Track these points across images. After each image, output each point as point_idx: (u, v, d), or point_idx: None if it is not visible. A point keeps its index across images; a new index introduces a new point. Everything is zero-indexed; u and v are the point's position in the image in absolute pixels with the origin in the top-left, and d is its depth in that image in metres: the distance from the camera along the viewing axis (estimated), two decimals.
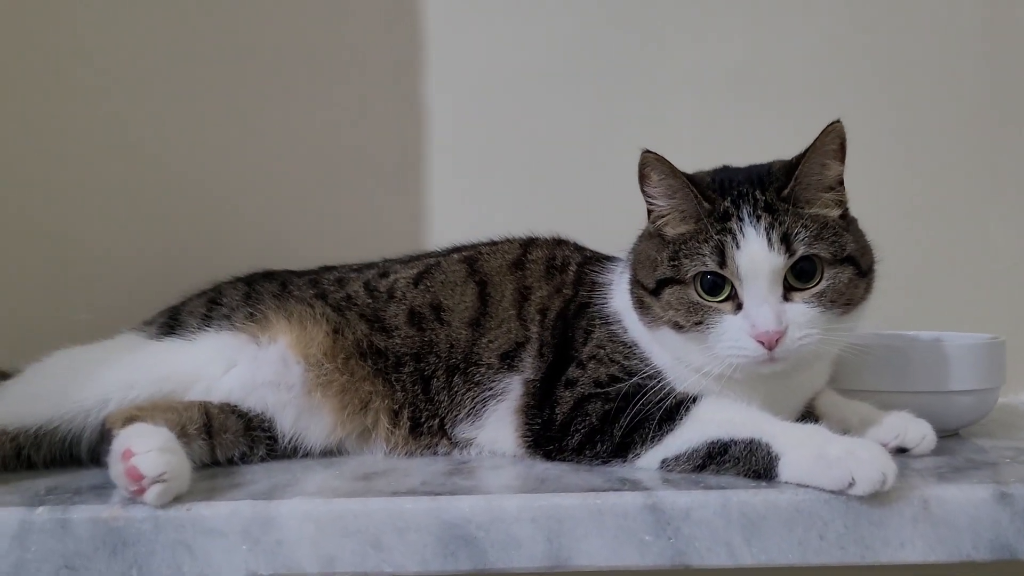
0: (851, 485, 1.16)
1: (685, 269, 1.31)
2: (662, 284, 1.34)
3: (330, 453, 1.48)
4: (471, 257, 1.62)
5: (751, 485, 1.22)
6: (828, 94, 2.05)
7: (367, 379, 1.47)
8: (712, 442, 1.28)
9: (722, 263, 1.28)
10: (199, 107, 2.05)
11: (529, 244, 1.64)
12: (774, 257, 1.27)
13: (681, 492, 1.19)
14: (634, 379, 1.39)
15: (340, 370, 1.45)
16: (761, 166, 1.40)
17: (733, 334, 1.28)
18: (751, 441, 1.25)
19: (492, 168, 2.09)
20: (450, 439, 1.47)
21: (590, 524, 1.16)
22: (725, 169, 1.43)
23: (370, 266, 1.67)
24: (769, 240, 1.27)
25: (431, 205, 2.07)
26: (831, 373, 1.50)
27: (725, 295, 1.30)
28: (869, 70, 2.08)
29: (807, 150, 1.32)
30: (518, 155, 2.08)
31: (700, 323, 1.30)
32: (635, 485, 1.23)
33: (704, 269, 1.30)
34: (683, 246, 1.32)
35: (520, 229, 1.68)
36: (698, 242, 1.31)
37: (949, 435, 1.56)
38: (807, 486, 1.19)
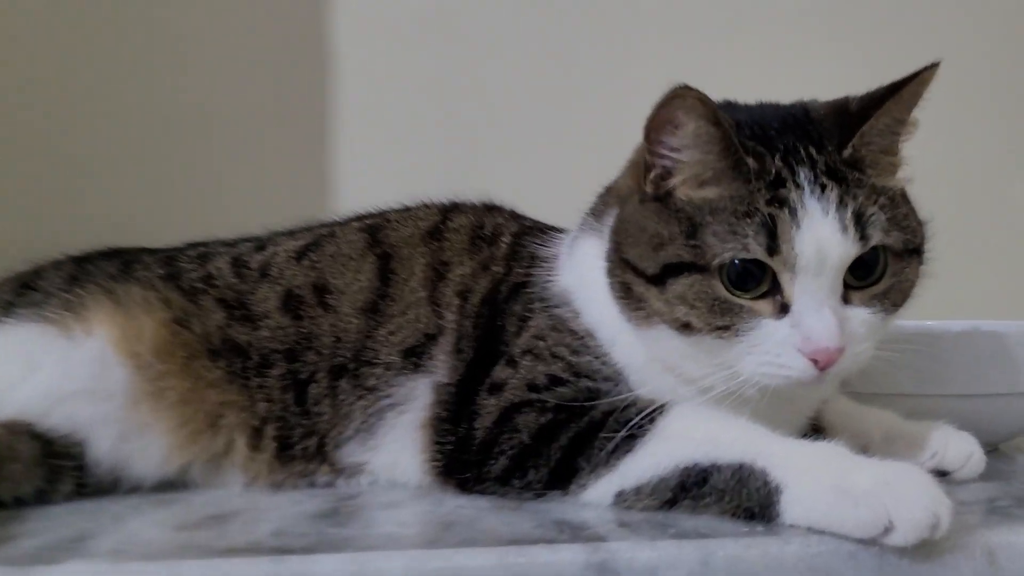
0: (888, 531, 0.80)
1: (713, 252, 0.92)
2: (671, 270, 0.95)
3: (170, 487, 1.09)
4: (375, 226, 1.25)
5: (742, 531, 0.86)
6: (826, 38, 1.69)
7: (218, 386, 1.09)
8: (687, 468, 0.91)
9: (772, 247, 0.91)
10: (67, 50, 1.70)
11: (451, 210, 1.27)
12: (847, 244, 0.91)
13: (643, 543, 0.82)
14: (583, 381, 1.02)
15: (179, 374, 1.08)
16: (788, 108, 1.04)
17: (774, 346, 0.92)
18: (741, 466, 0.89)
19: (410, 127, 1.76)
20: (333, 465, 1.09)
21: None
22: (731, 106, 1.06)
23: (251, 239, 1.29)
24: (842, 220, 0.91)
25: (338, 170, 1.73)
26: None
27: (762, 291, 0.93)
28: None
29: (885, 95, 0.96)
30: (441, 111, 1.75)
31: (726, 328, 0.93)
32: (578, 532, 0.86)
33: (743, 255, 0.92)
34: (711, 219, 0.94)
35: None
36: (736, 216, 0.92)
37: (988, 451, 1.20)
38: (823, 531, 0.83)
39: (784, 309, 0.92)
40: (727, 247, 0.92)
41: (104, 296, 1.11)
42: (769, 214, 0.91)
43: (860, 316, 0.94)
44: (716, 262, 0.92)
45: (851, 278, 0.94)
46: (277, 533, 0.89)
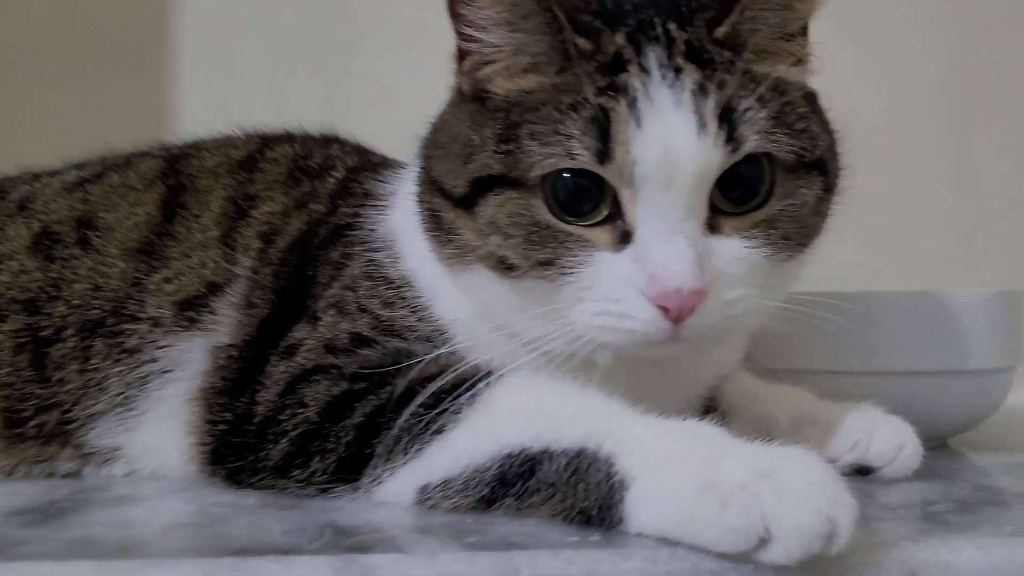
0: (764, 543, 0.56)
1: (531, 160, 0.69)
2: (481, 186, 0.72)
3: None
4: (181, 154, 1.01)
5: (572, 537, 0.61)
6: None
7: None
8: (510, 454, 0.67)
9: (603, 153, 0.67)
10: None
11: (277, 139, 1.03)
12: (707, 148, 0.67)
13: (409, 558, 0.57)
14: (393, 341, 0.77)
15: None
16: None
17: (611, 288, 0.68)
18: (580, 453, 0.65)
19: (258, 46, 1.53)
20: (78, 448, 0.84)
21: None
22: None
23: (44, 171, 1.04)
24: (699, 114, 0.67)
25: (178, 94, 1.49)
26: (746, 344, 0.90)
27: (601, 216, 0.69)
28: None
29: None
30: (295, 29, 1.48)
31: (549, 263, 0.70)
32: (339, 541, 0.61)
33: (567, 164, 0.68)
34: (530, 115, 0.70)
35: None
36: (559, 111, 0.69)
37: (933, 447, 0.96)
38: (681, 542, 0.59)
39: (627, 239, 0.68)
40: (546, 151, 0.68)
41: None
42: (601, 106, 0.67)
43: (732, 250, 0.69)
44: (534, 173, 0.69)
45: (723, 200, 0.70)
46: None
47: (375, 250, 0.85)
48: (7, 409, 0.84)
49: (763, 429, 0.83)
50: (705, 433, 0.64)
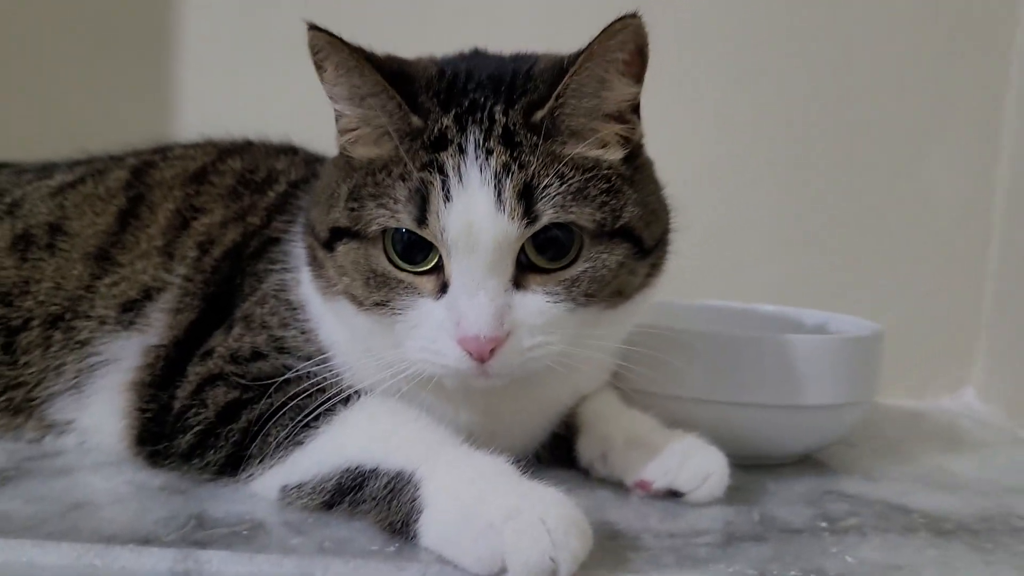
0: (503, 571, 0.70)
1: (368, 218, 0.82)
2: (336, 235, 0.85)
3: None
4: (148, 163, 1.15)
5: (374, 546, 0.77)
6: None
7: None
8: (348, 469, 0.83)
9: (421, 219, 0.79)
10: None
11: (234, 150, 1.18)
12: (502, 222, 0.78)
13: (235, 555, 0.74)
14: (283, 358, 0.93)
15: None
16: (522, 59, 0.90)
17: (429, 330, 0.81)
18: (398, 475, 0.80)
19: (264, 38, 1.58)
20: (40, 420, 1.03)
21: None
22: (475, 55, 0.94)
23: (46, 168, 1.21)
24: (498, 193, 0.78)
25: (182, 85, 1.58)
26: (611, 368, 1.02)
27: (429, 265, 0.82)
28: None
29: (578, 55, 0.82)
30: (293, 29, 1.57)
31: (384, 304, 0.83)
32: (192, 533, 0.78)
33: (393, 224, 0.81)
34: (370, 180, 0.83)
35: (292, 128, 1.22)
36: (391, 178, 0.81)
37: (787, 462, 1.09)
38: (450, 562, 0.73)
39: (444, 289, 0.81)
40: (379, 212, 0.81)
41: None
42: (422, 180, 0.79)
43: (534, 304, 0.81)
44: (372, 229, 0.81)
45: (538, 258, 0.81)
46: None
47: (285, 270, 0.98)
48: None
49: (602, 447, 0.98)
50: (491, 470, 0.77)
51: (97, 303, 1.02)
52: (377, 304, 0.83)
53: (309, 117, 1.29)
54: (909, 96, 1.55)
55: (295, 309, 0.95)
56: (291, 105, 1.53)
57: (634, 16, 0.79)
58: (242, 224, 1.07)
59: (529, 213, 0.79)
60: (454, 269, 0.80)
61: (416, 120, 0.82)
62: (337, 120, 0.87)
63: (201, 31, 1.60)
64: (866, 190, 1.58)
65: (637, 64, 0.83)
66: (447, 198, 0.78)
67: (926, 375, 1.54)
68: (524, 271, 0.81)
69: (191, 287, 1.02)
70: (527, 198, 0.78)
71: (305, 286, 0.95)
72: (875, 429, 1.28)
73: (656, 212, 0.88)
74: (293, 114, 1.33)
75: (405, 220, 0.80)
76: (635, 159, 0.87)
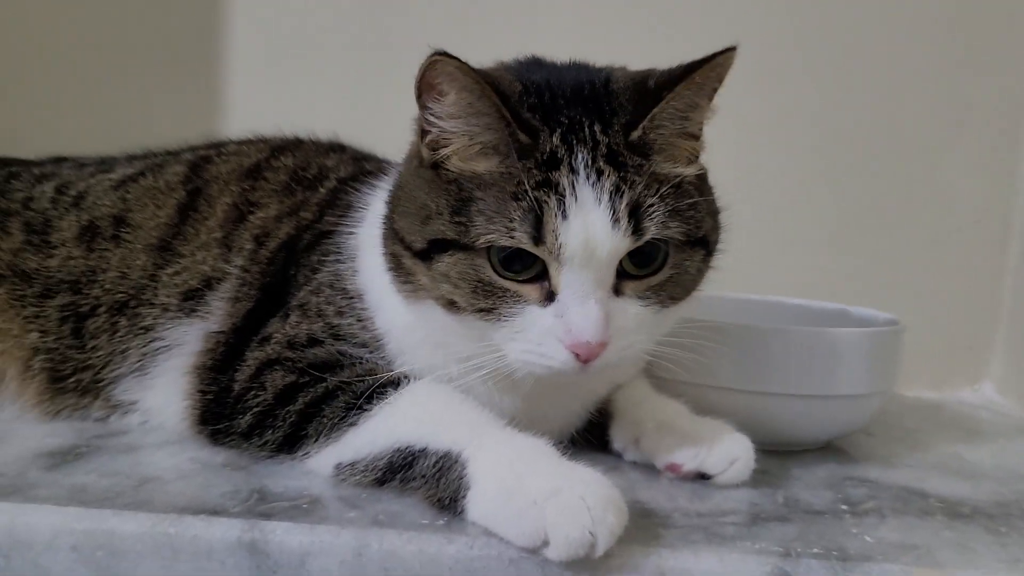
0: (545, 544, 0.76)
1: (478, 231, 0.85)
2: (437, 246, 0.89)
3: None
4: (204, 158, 1.21)
5: (424, 520, 0.83)
6: None
7: None
8: (399, 449, 0.89)
9: (537, 237, 0.84)
10: None
11: (286, 147, 1.23)
12: (616, 238, 0.84)
13: (300, 527, 0.80)
14: (339, 344, 0.99)
15: None
16: (591, 73, 0.95)
17: (536, 334, 0.86)
18: (446, 455, 0.86)
19: (309, 41, 1.65)
20: (106, 400, 1.09)
21: (156, 563, 0.80)
22: (537, 64, 0.98)
23: (103, 161, 1.28)
24: (614, 212, 0.83)
25: (231, 88, 1.65)
26: (645, 359, 1.08)
27: (531, 274, 0.87)
28: None
29: (678, 77, 0.87)
30: (340, 32, 1.64)
31: (489, 310, 0.88)
32: (255, 506, 0.84)
33: (506, 243, 0.85)
34: (479, 194, 0.86)
35: (337, 126, 1.27)
36: (503, 196, 0.85)
37: (809, 448, 1.14)
38: (495, 535, 0.80)
39: (551, 297, 0.86)
40: (491, 228, 0.84)
41: None
42: (536, 199, 0.83)
43: (631, 309, 0.88)
44: (480, 243, 0.85)
45: (629, 266, 0.87)
46: None
47: (340, 262, 1.04)
48: (53, 368, 1.09)
49: (635, 432, 1.03)
50: (533, 451, 0.83)
51: (160, 291, 1.09)
52: (482, 311, 0.87)
53: (351, 116, 1.38)
54: (931, 93, 1.59)
55: (352, 298, 1.01)
56: (333, 104, 1.63)
57: (734, 50, 0.86)
58: (295, 218, 1.12)
59: (638, 230, 0.84)
60: (563, 280, 0.85)
61: (525, 139, 0.86)
62: (424, 132, 0.90)
63: (248, 35, 1.65)
64: (888, 185, 1.62)
65: (717, 90, 0.90)
66: (564, 216, 0.83)
67: (945, 368, 1.59)
68: (620, 278, 0.87)
69: (248, 277, 1.08)
70: (635, 216, 0.84)
71: (365, 274, 1.01)
72: (894, 419, 1.33)
73: (717, 217, 0.94)
74: (335, 113, 1.42)
75: (521, 238, 0.84)
76: (702, 173, 0.94)
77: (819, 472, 1.06)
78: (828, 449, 1.16)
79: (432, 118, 0.89)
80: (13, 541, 0.79)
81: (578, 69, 0.97)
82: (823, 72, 1.61)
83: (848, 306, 1.27)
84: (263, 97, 1.65)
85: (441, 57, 0.83)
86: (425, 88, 0.87)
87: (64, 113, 1.66)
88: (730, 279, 1.26)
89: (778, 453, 1.09)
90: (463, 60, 0.84)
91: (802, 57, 1.61)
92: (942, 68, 1.59)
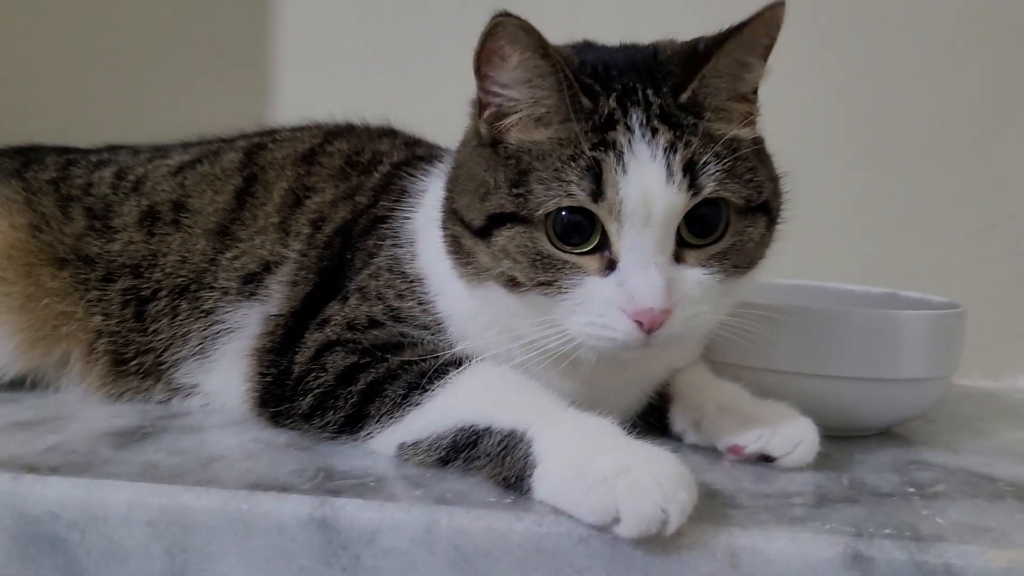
0: (616, 521, 0.76)
1: (537, 201, 0.86)
2: (496, 221, 0.89)
3: (21, 384, 1.13)
4: (258, 145, 1.23)
5: (491, 498, 0.83)
6: None
7: (61, 294, 1.12)
8: (462, 428, 0.89)
9: (597, 193, 0.84)
10: None
11: (339, 132, 1.24)
12: (672, 193, 0.84)
13: (371, 503, 0.80)
14: (399, 326, 0.99)
15: (23, 280, 1.10)
16: (640, 48, 0.96)
17: (598, 305, 0.86)
18: (512, 434, 0.85)
19: (355, 33, 1.66)
20: (168, 383, 1.11)
21: (229, 538, 0.80)
22: (589, 46, 0.98)
23: (157, 148, 1.29)
24: (668, 167, 0.84)
25: (280, 78, 1.66)
26: (704, 342, 1.08)
27: (592, 244, 0.87)
28: None
29: (725, 36, 0.88)
30: (388, 18, 1.65)
31: (549, 283, 0.88)
32: (324, 483, 0.85)
33: (567, 203, 0.85)
34: (537, 164, 0.87)
35: (386, 112, 1.28)
36: (561, 160, 0.86)
37: (870, 434, 1.13)
38: (563, 512, 0.79)
39: (612, 266, 0.86)
40: (551, 194, 0.85)
41: None
42: (594, 158, 0.84)
43: (694, 277, 0.87)
44: (540, 212, 0.86)
45: (689, 235, 0.87)
46: (53, 448, 0.91)
47: (399, 246, 1.04)
48: (115, 351, 1.11)
49: (695, 415, 1.03)
50: (599, 430, 0.83)
51: (220, 275, 1.10)
52: (542, 284, 0.87)
53: (399, 102, 1.38)
54: (984, 76, 1.57)
55: (412, 282, 1.01)
56: (381, 90, 1.63)
57: (783, 3, 0.86)
58: (351, 203, 1.13)
59: (693, 186, 0.84)
60: (624, 245, 0.85)
61: (587, 101, 0.87)
62: (483, 107, 0.91)
63: (297, 22, 1.67)
64: (940, 170, 1.61)
65: (770, 48, 0.90)
66: (624, 170, 0.83)
67: (1002, 356, 1.57)
68: (680, 247, 0.87)
69: (306, 261, 1.09)
70: (691, 172, 0.84)
71: (425, 257, 1.01)
72: (953, 407, 1.31)
73: (778, 183, 0.94)
74: (383, 99, 1.42)
75: (580, 196, 0.84)
76: (759, 139, 0.93)
77: (882, 456, 1.05)
78: (888, 435, 1.15)
79: (494, 87, 0.90)
80: (88, 516, 0.80)
81: (625, 47, 0.97)
82: (874, 54, 1.60)
83: (906, 291, 1.26)
84: (312, 85, 1.67)
85: (504, 18, 0.84)
86: (487, 56, 0.88)
87: (115, 102, 1.69)
88: (781, 265, 1.26)
89: (837, 438, 1.07)
90: (523, 19, 0.85)
91: (855, 37, 1.59)
92: (995, 50, 1.58)
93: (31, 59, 1.73)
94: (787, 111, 1.55)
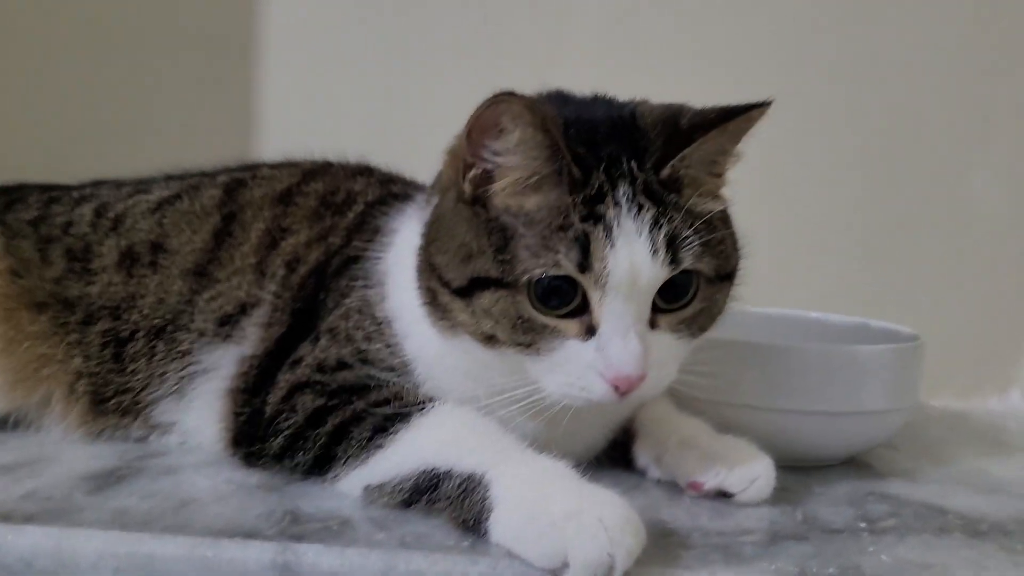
0: (565, 566, 0.79)
1: (523, 267, 0.88)
2: (478, 284, 0.92)
3: (3, 424, 1.17)
4: (238, 181, 1.25)
5: (449, 542, 0.86)
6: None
7: (41, 337, 1.14)
8: (424, 471, 0.91)
9: (584, 264, 0.87)
10: None
11: (316, 171, 1.27)
12: (656, 267, 0.87)
13: (332, 548, 0.84)
14: (367, 368, 1.02)
15: (1, 323, 1.13)
16: (618, 107, 0.99)
17: (577, 368, 0.89)
18: (470, 477, 0.88)
19: (337, 68, 1.70)
20: (146, 421, 1.14)
21: None
22: (563, 98, 1.00)
23: (140, 182, 1.32)
24: (653, 243, 0.87)
25: (262, 108, 1.70)
26: None
27: (570, 308, 0.89)
28: None
29: (711, 123, 0.91)
30: (371, 55, 1.67)
31: (529, 345, 0.91)
32: (288, 528, 0.88)
33: (554, 272, 0.88)
34: (524, 231, 0.89)
35: (366, 147, 1.30)
36: (549, 229, 0.88)
37: (832, 463, 1.15)
38: (519, 557, 0.82)
39: (591, 331, 0.89)
40: (538, 261, 0.88)
41: None
42: (583, 230, 0.87)
43: (665, 341, 0.91)
44: (525, 278, 0.88)
45: (660, 300, 0.90)
46: (29, 495, 0.94)
47: (369, 287, 1.06)
48: (95, 391, 1.14)
49: (657, 450, 1.06)
50: (553, 474, 0.86)
51: (196, 316, 1.13)
52: (521, 344, 0.90)
53: (380, 134, 1.41)
54: (955, 102, 1.60)
55: (380, 323, 1.03)
56: (364, 121, 1.67)
57: (769, 104, 0.91)
58: (324, 244, 1.16)
59: (674, 260, 0.88)
60: (605, 313, 0.88)
61: (577, 172, 0.89)
62: (469, 168, 0.92)
63: (281, 54, 1.70)
64: (912, 194, 1.64)
65: (746, 134, 0.94)
66: (612, 244, 0.86)
67: (972, 377, 1.59)
68: (654, 312, 0.90)
69: (280, 303, 1.12)
70: (672, 247, 0.88)
71: (393, 299, 1.03)
72: (919, 431, 1.34)
73: (739, 250, 0.98)
74: (366, 130, 1.45)
75: (568, 266, 0.87)
76: (725, 210, 0.97)
77: (840, 488, 1.07)
78: (851, 463, 1.17)
79: (485, 153, 0.91)
80: (59, 564, 0.83)
81: (604, 104, 1.00)
82: (844, 82, 1.62)
83: (868, 319, 1.28)
84: (295, 114, 1.69)
85: (507, 97, 0.86)
86: (483, 126, 0.89)
87: (101, 134, 1.71)
88: (752, 293, 1.29)
89: (800, 468, 1.10)
90: (528, 97, 0.87)
91: (825, 65, 1.62)
92: (965, 77, 1.60)
93: (17, 93, 1.75)
94: (759, 139, 1.59)
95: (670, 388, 1.08)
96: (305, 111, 1.71)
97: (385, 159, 1.31)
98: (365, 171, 1.28)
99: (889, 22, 1.60)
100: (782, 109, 1.56)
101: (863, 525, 0.95)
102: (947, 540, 0.92)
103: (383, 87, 1.69)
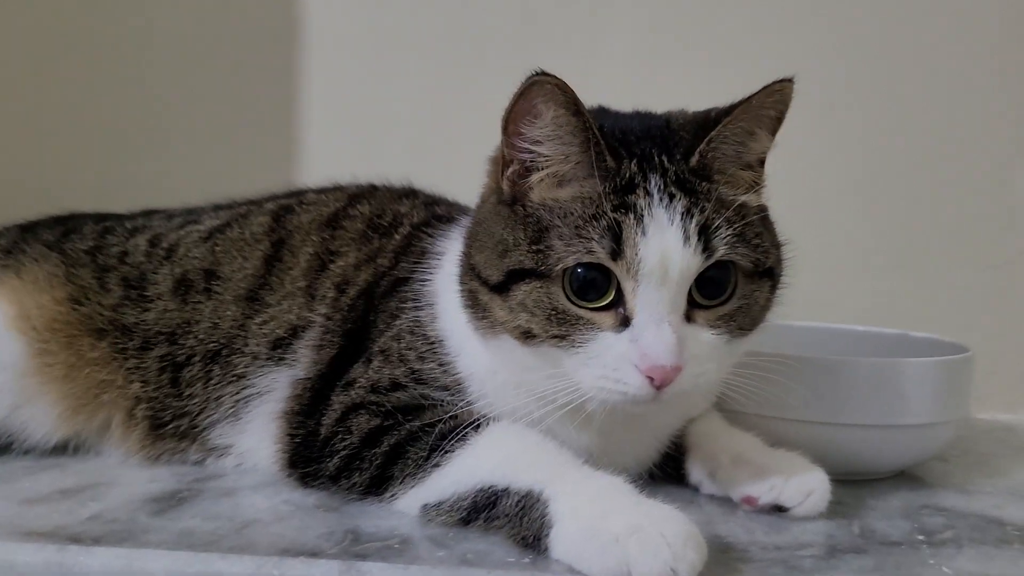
0: None
1: (557, 256, 0.90)
2: (514, 277, 0.93)
3: (64, 449, 1.19)
4: (285, 208, 1.27)
5: (510, 558, 0.87)
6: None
7: (101, 363, 1.17)
8: (482, 489, 0.93)
9: (616, 252, 0.89)
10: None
11: (361, 195, 1.29)
12: (688, 255, 0.88)
13: (391, 567, 0.85)
14: (421, 388, 1.03)
15: (64, 351, 1.15)
16: (654, 117, 1.01)
17: (611, 359, 0.90)
18: (528, 494, 0.89)
19: (378, 93, 1.73)
20: (203, 444, 1.15)
21: None
22: (604, 112, 1.03)
23: (190, 212, 1.35)
24: (685, 232, 0.89)
25: (305, 138, 1.73)
26: (716, 392, 1.11)
27: (607, 300, 0.91)
28: None
29: (734, 106, 0.93)
30: (411, 79, 1.70)
31: (563, 337, 0.91)
32: (350, 547, 0.89)
33: (587, 259, 0.90)
34: (559, 221, 0.91)
35: (408, 170, 1.33)
36: (582, 219, 0.90)
37: (883, 476, 1.15)
38: (580, 572, 0.83)
39: (625, 322, 0.90)
40: (571, 250, 0.89)
41: (12, 272, 1.20)
42: (615, 219, 0.89)
43: (702, 336, 0.91)
44: (559, 267, 0.90)
45: (699, 296, 0.91)
46: (95, 517, 0.96)
47: (419, 308, 1.08)
48: (153, 416, 1.16)
49: (710, 466, 1.06)
50: (612, 489, 0.87)
51: (250, 340, 1.14)
52: (555, 337, 0.91)
53: (422, 156, 1.42)
54: (994, 112, 1.59)
55: (432, 343, 1.05)
56: (404, 147, 1.69)
57: (791, 80, 0.91)
58: (373, 265, 1.17)
59: (707, 249, 0.89)
60: (639, 303, 0.89)
61: (611, 162, 0.91)
62: (506, 164, 0.95)
63: (323, 79, 1.73)
64: (957, 206, 1.63)
65: (778, 122, 0.95)
66: (643, 232, 0.88)
67: (1019, 390, 1.58)
68: (691, 307, 0.91)
69: (331, 324, 1.13)
70: (705, 236, 0.89)
71: (445, 319, 1.05)
72: (969, 444, 1.33)
73: (780, 250, 0.98)
74: (408, 154, 1.47)
75: (600, 254, 0.89)
76: (764, 206, 0.98)
77: (894, 501, 1.07)
78: (902, 476, 1.17)
79: (523, 143, 0.94)
80: None
81: (640, 115, 1.02)
82: (882, 93, 1.62)
83: (909, 331, 1.29)
84: (338, 138, 1.72)
85: (542, 76, 0.88)
86: (519, 113, 0.92)
87: (146, 161, 1.75)
88: (794, 306, 1.30)
89: (852, 482, 1.11)
90: (560, 78, 0.89)
91: (858, 77, 1.62)
92: (1007, 79, 1.60)
93: (62, 124, 1.79)
94: (796, 153, 1.60)
95: (719, 403, 1.11)
96: (347, 135, 1.73)
97: (427, 181, 1.33)
98: (410, 193, 1.30)
99: (930, 27, 1.61)
100: (823, 120, 1.59)
101: (921, 538, 0.95)
102: (1007, 551, 0.92)
103: (424, 109, 1.71)
